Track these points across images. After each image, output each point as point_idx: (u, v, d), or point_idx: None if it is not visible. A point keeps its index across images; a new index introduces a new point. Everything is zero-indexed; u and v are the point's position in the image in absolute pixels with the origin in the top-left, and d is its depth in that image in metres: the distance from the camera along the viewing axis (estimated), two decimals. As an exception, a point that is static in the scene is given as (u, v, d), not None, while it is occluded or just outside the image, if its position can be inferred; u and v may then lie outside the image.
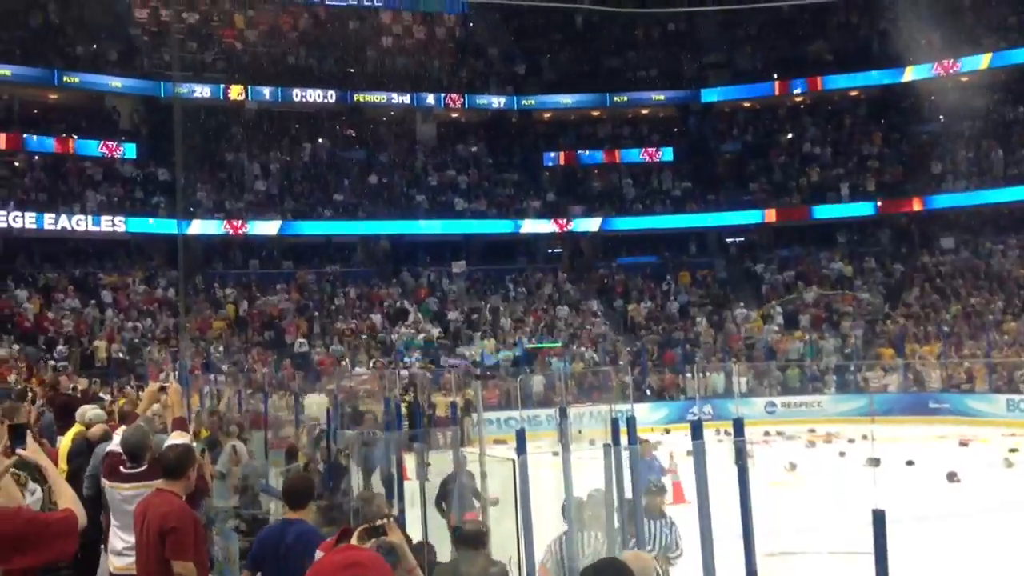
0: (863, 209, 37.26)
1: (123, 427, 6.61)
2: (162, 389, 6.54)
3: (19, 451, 3.69)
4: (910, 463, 18.21)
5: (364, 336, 31.16)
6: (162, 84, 35.10)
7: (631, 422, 5.91)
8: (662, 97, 41.79)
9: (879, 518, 3.71)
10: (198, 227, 33.41)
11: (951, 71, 37.34)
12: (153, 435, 6.43)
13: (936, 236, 35.56)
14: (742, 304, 34.90)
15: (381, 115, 39.96)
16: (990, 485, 16.30)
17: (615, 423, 5.98)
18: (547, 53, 42.66)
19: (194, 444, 6.44)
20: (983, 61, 36.54)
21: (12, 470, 3.80)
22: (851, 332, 32.02)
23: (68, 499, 3.59)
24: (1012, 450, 20.03)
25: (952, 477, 16.38)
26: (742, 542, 4.88)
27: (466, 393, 24.47)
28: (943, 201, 35.77)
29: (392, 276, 35.35)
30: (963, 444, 21.89)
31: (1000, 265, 33.10)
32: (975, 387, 28.23)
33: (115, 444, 6.28)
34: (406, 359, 29.51)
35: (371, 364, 28.48)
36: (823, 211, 37.63)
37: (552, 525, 6.85)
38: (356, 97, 38.69)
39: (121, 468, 6.01)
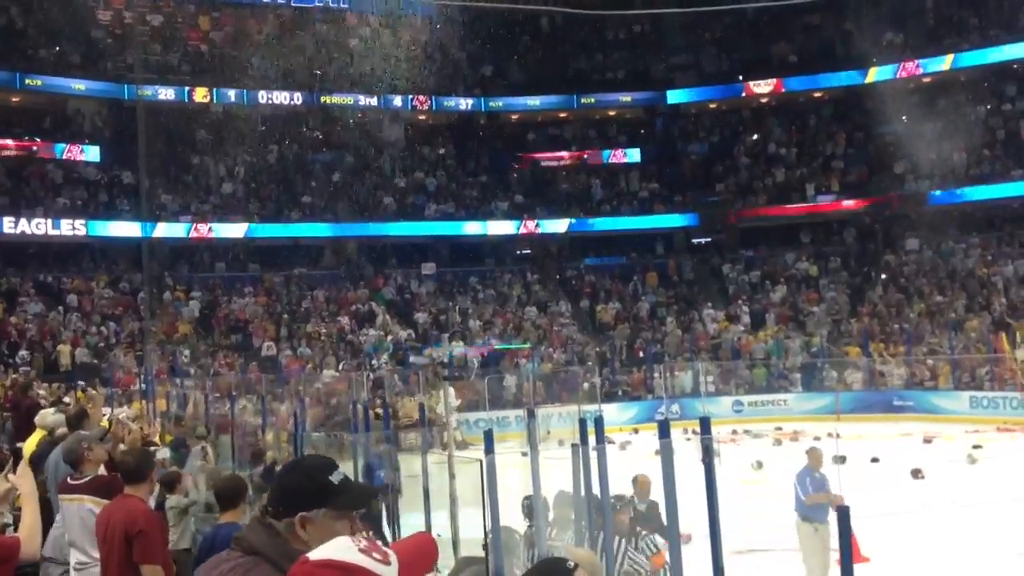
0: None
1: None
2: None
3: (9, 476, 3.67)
4: (875, 460, 18.41)
5: (332, 339, 31.02)
6: (126, 87, 34.76)
7: (599, 422, 5.94)
8: (629, 98, 41.99)
9: (844, 514, 3.76)
10: (163, 230, 33.11)
11: (914, 72, 37.84)
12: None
13: (900, 236, 35.97)
14: (709, 304, 35.14)
15: (348, 117, 39.75)
16: (954, 481, 16.52)
17: (583, 423, 5.99)
18: (514, 55, 42.71)
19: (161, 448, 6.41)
20: (945, 62, 37.05)
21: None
22: (816, 331, 32.36)
23: (27, 528, 3.57)
24: (976, 446, 20.31)
25: (916, 474, 16.57)
26: (709, 540, 4.92)
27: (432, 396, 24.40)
28: (902, 201, 36.18)
29: (360, 279, 35.21)
30: (927, 441, 22.17)
31: (963, 264, 33.56)
32: (939, 384, 28.61)
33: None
34: (374, 361, 29.41)
35: (339, 367, 28.36)
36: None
37: (520, 524, 6.88)
38: (323, 99, 38.54)
39: (68, 479, 5.93)
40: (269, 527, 2.53)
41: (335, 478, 2.53)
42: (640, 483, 8.58)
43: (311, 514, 2.48)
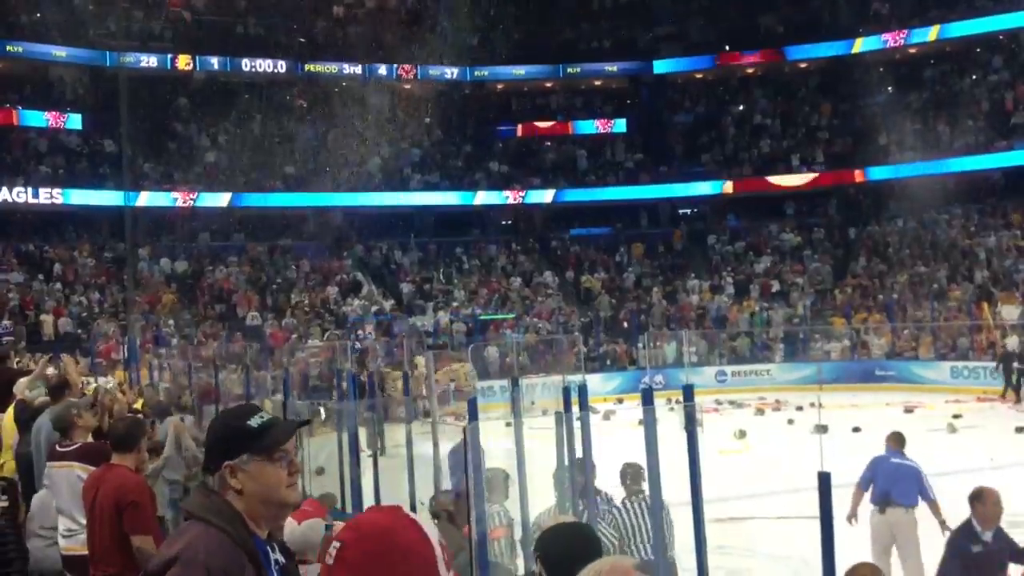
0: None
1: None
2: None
3: None
4: (856, 430, 18.56)
5: (317, 309, 30.99)
6: (107, 54, 34.33)
7: (582, 391, 5.96)
8: (615, 68, 41.79)
9: (824, 480, 3.79)
10: (146, 199, 32.90)
11: (899, 43, 37.78)
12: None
13: (883, 207, 36.09)
14: (694, 275, 35.25)
15: (332, 86, 39.46)
16: (934, 450, 16.65)
17: (566, 392, 6.01)
18: (500, 24, 42.35)
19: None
20: (931, 33, 36.97)
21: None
22: (800, 302, 32.55)
23: None
24: (955, 416, 20.56)
25: (898, 443, 16.75)
26: (692, 509, 4.96)
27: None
28: (888, 172, 36.24)
29: (344, 249, 35.12)
30: (908, 411, 22.31)
31: (945, 235, 33.73)
32: (920, 354, 28.88)
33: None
34: (359, 332, 29.40)
35: (324, 337, 28.37)
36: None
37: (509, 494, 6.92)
38: (307, 67, 38.19)
39: (57, 447, 5.90)
40: (204, 488, 2.51)
41: (254, 422, 2.49)
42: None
43: (236, 462, 2.45)
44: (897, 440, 9.36)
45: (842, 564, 4.31)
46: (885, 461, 9.11)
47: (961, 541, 6.51)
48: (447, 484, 8.57)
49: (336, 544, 2.00)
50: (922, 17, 37.23)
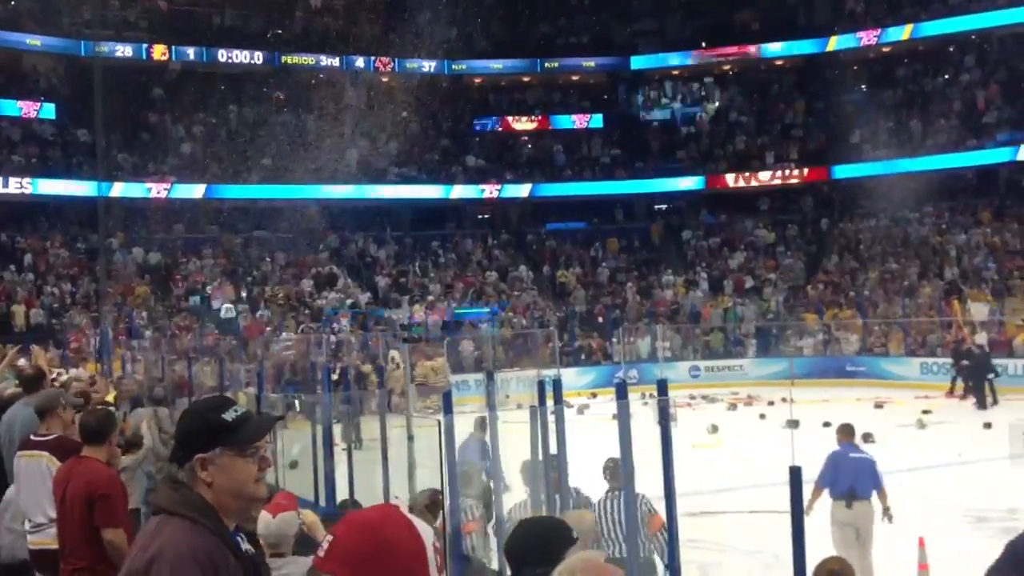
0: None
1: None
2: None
3: None
4: (827, 425, 18.72)
5: (292, 302, 30.91)
6: (82, 43, 33.99)
7: (557, 385, 5.98)
8: (592, 63, 41.85)
9: (795, 474, 3.83)
10: (120, 190, 32.65)
11: (873, 41, 38.08)
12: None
13: (856, 204, 36.38)
14: (669, 270, 35.43)
15: (309, 78, 39.31)
16: (903, 446, 16.90)
17: (541, 386, 6.02)
18: (478, 18, 42.32)
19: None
20: (905, 32, 37.27)
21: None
22: (773, 297, 32.81)
23: None
24: (925, 411, 20.87)
25: (867, 438, 16.81)
26: (664, 502, 5.02)
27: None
28: (861, 170, 36.52)
29: (320, 241, 35.03)
30: (878, 406, 22.58)
31: (916, 232, 34.07)
32: (890, 351, 29.21)
33: None
34: (335, 325, 29.38)
35: (299, 330, 28.31)
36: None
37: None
38: (284, 59, 37.99)
39: (32, 436, 5.84)
40: (172, 482, 2.50)
41: (229, 416, 2.47)
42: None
43: (208, 455, 2.43)
44: (848, 432, 9.51)
45: (813, 558, 4.39)
46: (843, 456, 9.22)
47: None
48: (422, 478, 8.61)
49: (328, 537, 2.05)
50: (896, 16, 37.51)
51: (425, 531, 2.05)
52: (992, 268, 30.25)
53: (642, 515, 6.17)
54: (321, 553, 2.03)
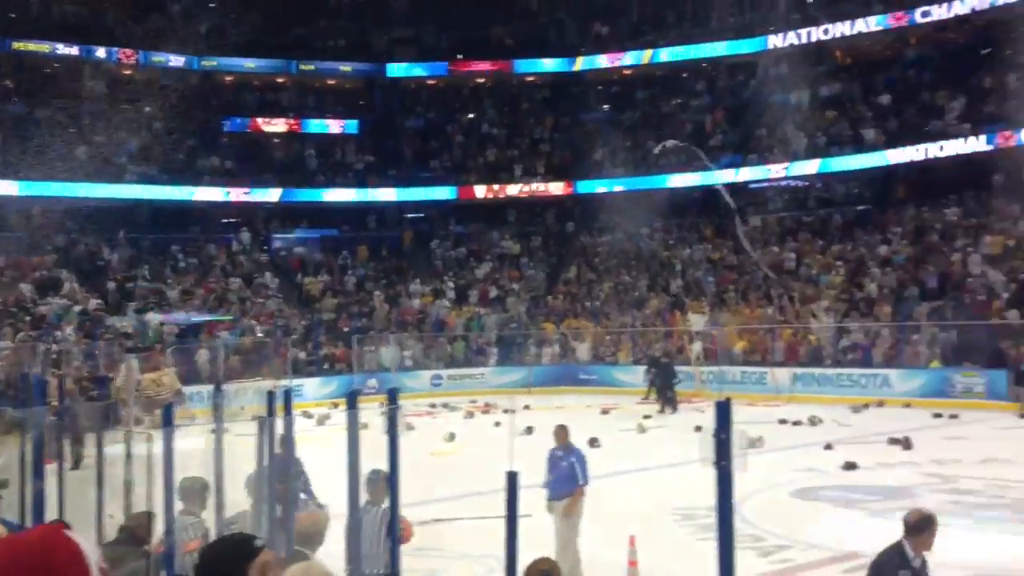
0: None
1: None
2: None
3: None
4: (530, 430, 19.61)
5: (10, 308, 28.85)
6: None
7: (288, 395, 5.86)
8: (349, 68, 41.70)
9: (512, 479, 3.89)
10: None
11: (616, 64, 40.10)
12: None
13: (595, 218, 38.05)
14: (417, 279, 35.79)
15: (43, 67, 36.93)
16: (625, 449, 17.99)
17: (270, 396, 5.88)
18: (232, 14, 41.12)
19: None
20: (644, 57, 39.47)
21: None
22: (516, 307, 33.84)
23: None
24: (646, 416, 22.47)
25: (593, 442, 17.79)
26: (390, 511, 5.11)
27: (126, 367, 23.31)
28: (601, 185, 38.26)
29: (45, 242, 32.85)
30: (604, 412, 23.99)
31: (647, 247, 36.09)
32: (619, 359, 30.90)
33: None
34: (58, 333, 27.69)
35: (15, 337, 26.49)
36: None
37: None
38: (14, 45, 35.56)
39: None
40: None
41: None
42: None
43: None
44: (562, 432, 10.13)
45: (528, 559, 4.59)
46: (555, 456, 9.97)
47: (888, 566, 6.04)
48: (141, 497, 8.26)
49: None
50: (637, 41, 39.68)
51: (91, 552, 2.02)
52: (711, 281, 32.48)
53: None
54: None
